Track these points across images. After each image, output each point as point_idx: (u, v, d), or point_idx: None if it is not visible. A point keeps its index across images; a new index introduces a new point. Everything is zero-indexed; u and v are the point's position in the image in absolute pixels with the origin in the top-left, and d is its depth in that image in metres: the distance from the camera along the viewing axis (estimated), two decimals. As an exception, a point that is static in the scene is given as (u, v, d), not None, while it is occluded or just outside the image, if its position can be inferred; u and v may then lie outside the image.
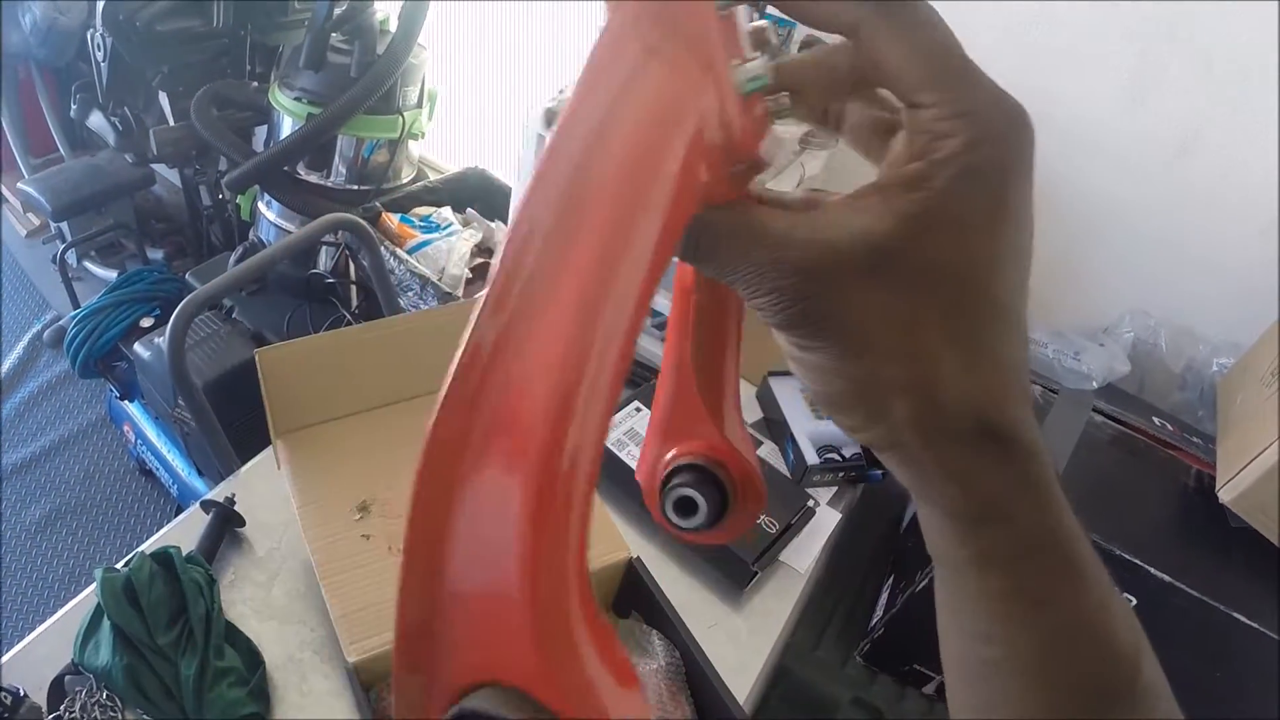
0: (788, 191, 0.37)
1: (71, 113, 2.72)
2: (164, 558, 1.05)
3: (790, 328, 0.34)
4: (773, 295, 0.33)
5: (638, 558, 1.13)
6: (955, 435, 0.34)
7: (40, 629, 1.08)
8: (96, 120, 2.67)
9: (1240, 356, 1.55)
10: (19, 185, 2.54)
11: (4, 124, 3.02)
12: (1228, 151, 1.57)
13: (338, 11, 2.01)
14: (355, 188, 2.18)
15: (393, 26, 2.03)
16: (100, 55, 2.41)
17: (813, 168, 1.65)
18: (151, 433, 2.32)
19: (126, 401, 2.35)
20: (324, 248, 2.15)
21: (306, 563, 1.09)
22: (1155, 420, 1.53)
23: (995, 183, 0.32)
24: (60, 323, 2.86)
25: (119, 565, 1.04)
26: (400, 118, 2.11)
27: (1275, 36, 1.45)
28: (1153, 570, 1.24)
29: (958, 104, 0.32)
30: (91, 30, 2.39)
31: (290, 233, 2.06)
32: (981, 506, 0.36)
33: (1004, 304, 0.34)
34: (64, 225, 2.66)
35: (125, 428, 2.47)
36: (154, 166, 2.72)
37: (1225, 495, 1.29)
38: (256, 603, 1.13)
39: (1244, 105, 1.53)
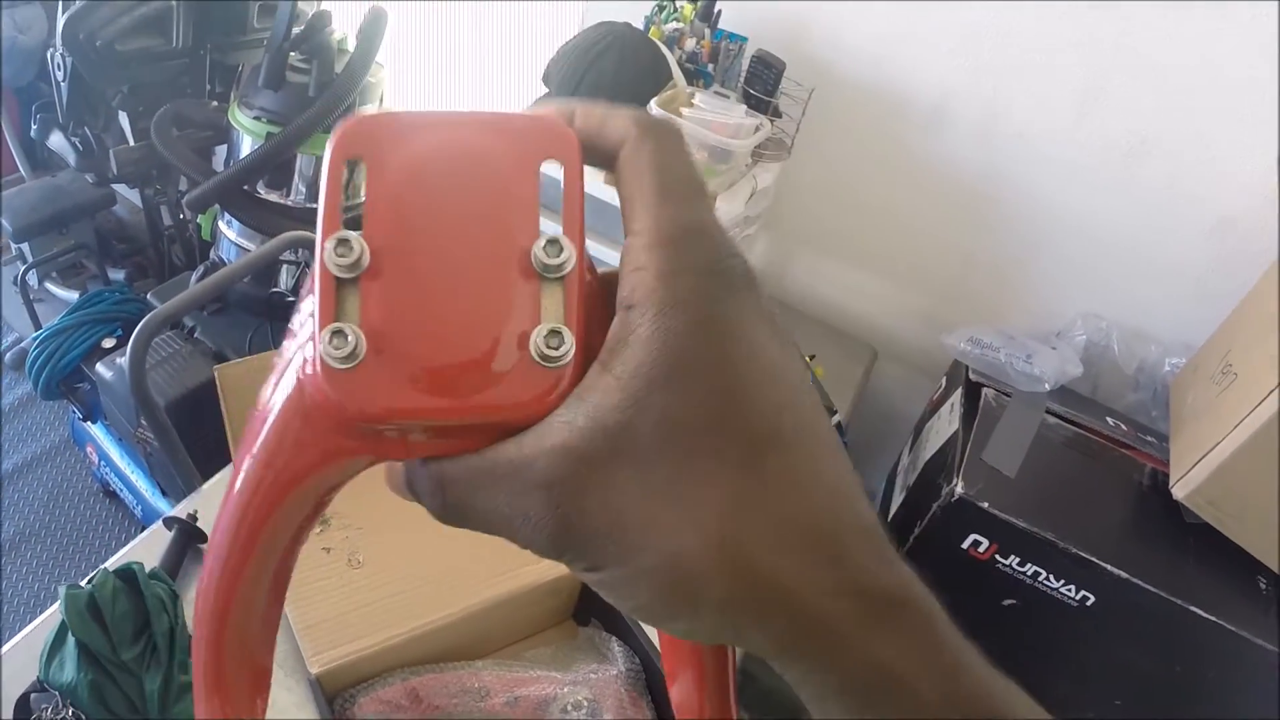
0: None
1: (32, 133, 2.71)
2: (127, 574, 1.05)
3: (567, 549, 0.30)
4: (528, 526, 0.30)
5: (599, 565, 1.14)
6: (785, 610, 0.30)
7: (5, 647, 1.08)
8: (57, 140, 2.65)
9: (1191, 356, 1.58)
10: (-21, 207, 2.53)
11: (-37, 145, 3.00)
12: (1175, 156, 1.61)
13: (296, 31, 2.01)
14: (315, 206, 2.17)
15: (351, 46, 2.03)
16: (60, 75, 2.40)
17: (764, 180, 1.67)
18: (115, 454, 2.31)
19: (89, 423, 2.34)
20: (285, 266, 2.15)
21: (269, 577, 1.09)
22: (1109, 421, 1.55)
23: (701, 306, 0.29)
24: (22, 344, 2.84)
25: (83, 583, 1.04)
26: (360, 135, 2.11)
27: (1219, 42, 1.49)
28: (1109, 567, 1.27)
29: (662, 229, 0.30)
30: (51, 50, 2.38)
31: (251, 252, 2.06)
32: (870, 678, 0.30)
33: (780, 430, 0.30)
34: (25, 246, 2.64)
35: (88, 449, 2.45)
36: (115, 187, 2.71)
37: (1179, 491, 1.31)
38: (220, 618, 1.13)
39: (1190, 110, 1.56)
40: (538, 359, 0.30)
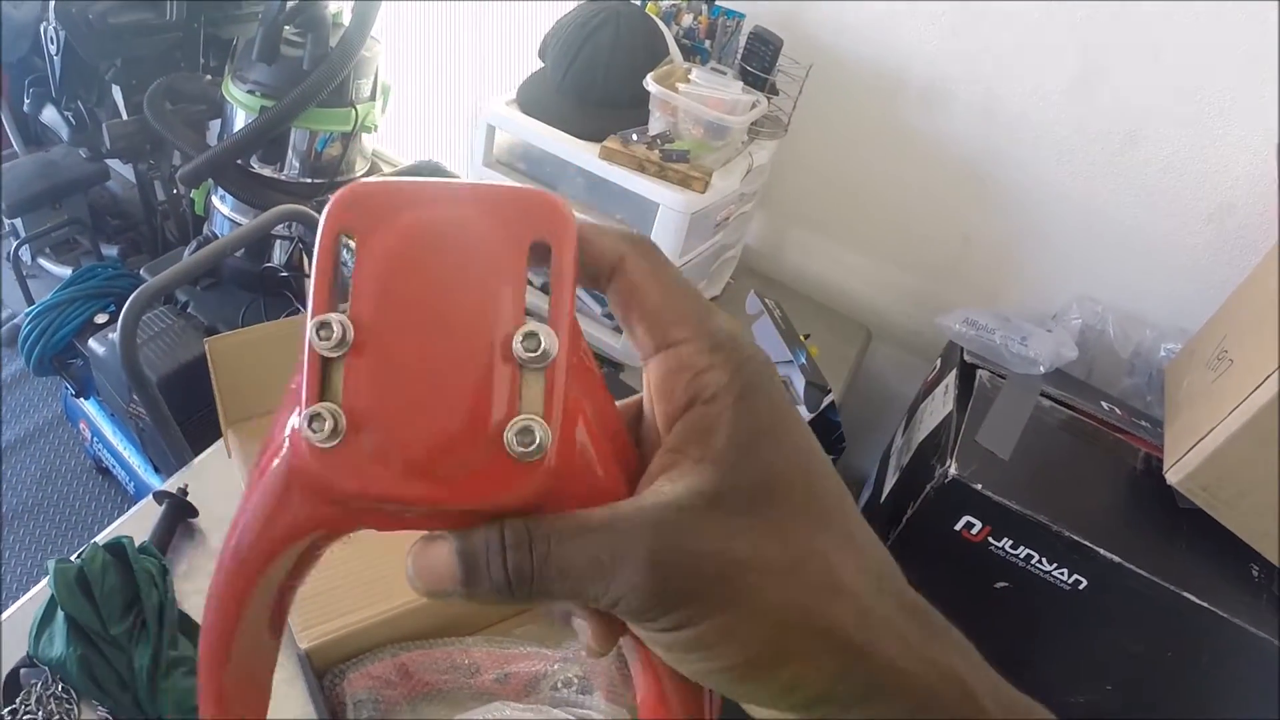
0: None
1: (25, 107, 2.69)
2: (116, 548, 1.04)
3: (665, 599, 0.30)
4: (623, 576, 0.30)
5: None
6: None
7: (-4, 622, 1.08)
8: (50, 115, 2.64)
9: (1187, 341, 1.57)
10: (-29, 181, 2.52)
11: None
12: (1174, 140, 1.60)
13: (290, 5, 2.00)
14: (309, 181, 2.17)
15: (346, 20, 2.02)
16: (53, 49, 2.38)
17: (760, 157, 1.66)
18: (108, 430, 2.31)
19: (82, 399, 2.34)
20: (278, 241, 2.15)
21: (259, 552, 1.09)
22: (1104, 405, 1.55)
23: (769, 390, 0.34)
24: (15, 320, 2.83)
25: (72, 557, 1.04)
26: (353, 111, 2.11)
27: (1220, 25, 1.48)
28: (1101, 551, 1.26)
29: (711, 339, 0.34)
30: (44, 24, 2.36)
31: (245, 227, 2.06)
32: None
33: (841, 484, 0.35)
34: (17, 221, 2.63)
35: (81, 425, 2.45)
36: (108, 162, 2.69)
37: (1173, 477, 1.31)
38: (210, 593, 1.12)
39: (1189, 94, 1.55)
40: (510, 452, 0.31)
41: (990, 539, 1.32)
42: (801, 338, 1.59)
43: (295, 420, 0.32)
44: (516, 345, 0.31)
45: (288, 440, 0.33)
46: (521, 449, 0.30)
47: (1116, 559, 1.26)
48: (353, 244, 0.33)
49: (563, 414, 0.31)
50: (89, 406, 2.34)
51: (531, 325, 0.31)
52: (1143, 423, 1.53)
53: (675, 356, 0.34)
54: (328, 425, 0.30)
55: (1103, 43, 1.58)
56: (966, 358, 1.58)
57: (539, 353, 0.31)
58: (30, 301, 2.46)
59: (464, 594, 0.32)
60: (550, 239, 0.33)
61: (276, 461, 0.33)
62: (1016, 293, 1.87)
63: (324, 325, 0.31)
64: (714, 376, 0.33)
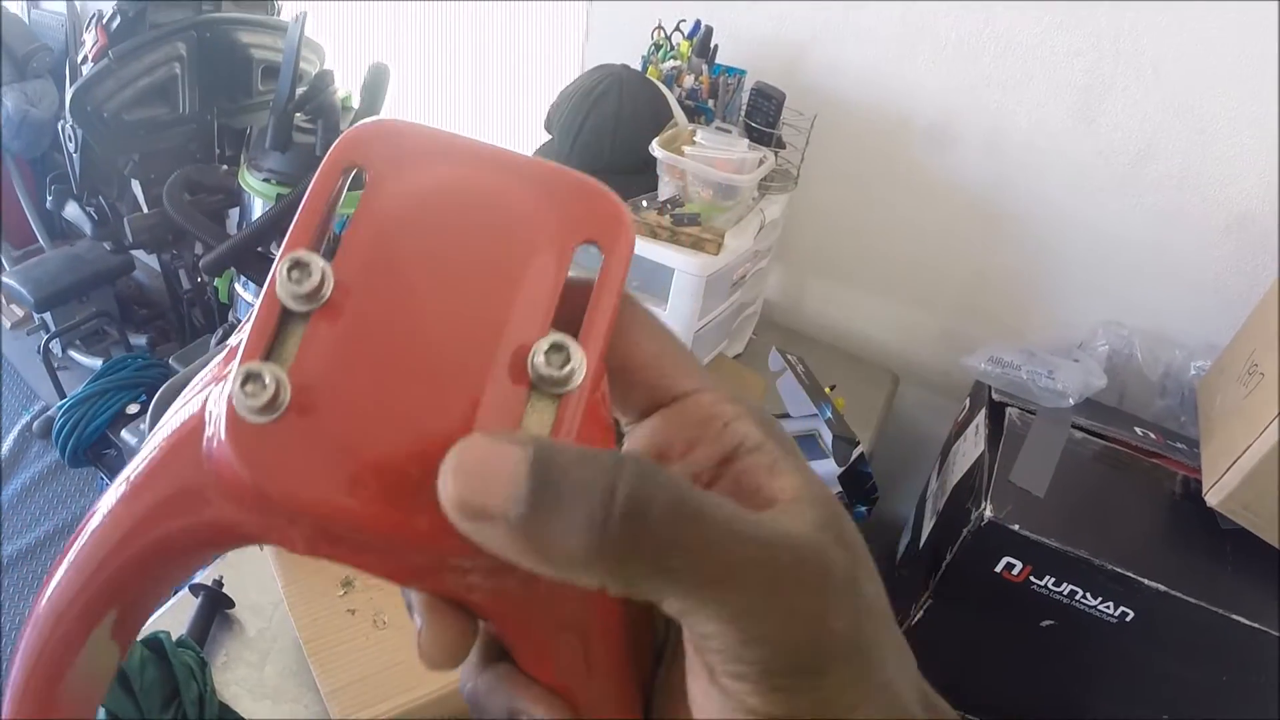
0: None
1: (47, 204, 2.74)
2: (155, 643, 1.05)
3: (811, 657, 0.26)
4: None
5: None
6: None
7: None
8: (72, 210, 2.69)
9: (1216, 357, 1.55)
10: (1, 278, 2.57)
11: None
12: (1184, 155, 1.59)
13: (300, 91, 2.03)
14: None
15: (355, 103, 2.05)
16: (72, 146, 2.43)
17: (772, 213, 1.66)
18: (145, 519, 2.32)
19: (118, 489, 2.35)
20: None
21: (297, 641, 1.09)
22: (1137, 430, 1.53)
23: (796, 449, 0.30)
24: (48, 413, 2.87)
25: (110, 655, 1.04)
26: (367, 191, 2.13)
27: (1219, 38, 1.47)
28: (1146, 581, 1.25)
29: (722, 388, 0.30)
30: (62, 122, 2.41)
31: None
32: None
33: None
34: (47, 315, 2.68)
35: (119, 515, 2.46)
36: (133, 252, 2.74)
37: (1213, 498, 1.29)
38: (250, 683, 1.13)
39: (1195, 109, 1.55)
40: None
41: (1032, 578, 1.30)
42: (827, 390, 1.59)
43: (225, 386, 0.24)
44: (537, 358, 0.24)
45: (209, 409, 0.25)
46: None
47: (1162, 588, 1.24)
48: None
49: None
50: (125, 496, 2.36)
51: (559, 337, 0.25)
52: (1179, 445, 1.51)
53: (695, 406, 0.29)
54: (266, 393, 0.23)
55: (1105, 66, 1.58)
56: (995, 396, 1.57)
57: (564, 372, 0.24)
58: (62, 394, 2.49)
59: (519, 523, 0.22)
60: (604, 243, 0.27)
61: (180, 430, 0.26)
62: (1040, 325, 1.85)
63: (299, 265, 0.24)
64: (745, 426, 0.28)
